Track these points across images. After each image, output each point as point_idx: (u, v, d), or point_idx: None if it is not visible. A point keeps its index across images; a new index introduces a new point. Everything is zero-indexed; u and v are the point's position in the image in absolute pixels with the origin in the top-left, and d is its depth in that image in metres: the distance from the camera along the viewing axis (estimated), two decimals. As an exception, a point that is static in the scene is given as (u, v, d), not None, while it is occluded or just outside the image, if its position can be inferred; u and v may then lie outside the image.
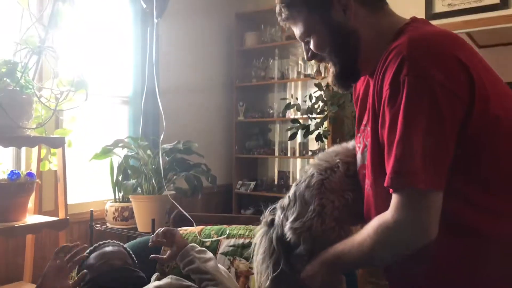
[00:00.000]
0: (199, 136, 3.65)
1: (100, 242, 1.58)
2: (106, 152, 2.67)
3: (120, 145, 2.69)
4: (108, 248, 1.52)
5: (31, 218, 2.20)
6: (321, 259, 1.00)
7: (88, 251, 1.52)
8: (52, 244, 2.53)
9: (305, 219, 1.03)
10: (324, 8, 0.98)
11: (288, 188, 3.92)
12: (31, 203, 2.34)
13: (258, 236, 1.17)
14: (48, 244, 2.56)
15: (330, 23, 0.97)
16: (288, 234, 1.05)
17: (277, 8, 1.03)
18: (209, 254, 1.44)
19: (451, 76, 0.80)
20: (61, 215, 2.23)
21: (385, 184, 0.82)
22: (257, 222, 2.03)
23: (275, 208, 1.16)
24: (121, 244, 1.60)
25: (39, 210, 2.46)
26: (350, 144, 1.13)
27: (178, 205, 1.99)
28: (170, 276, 1.45)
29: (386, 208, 0.85)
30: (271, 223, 1.14)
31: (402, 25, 0.94)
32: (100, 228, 2.73)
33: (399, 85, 0.81)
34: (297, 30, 1.03)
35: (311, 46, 1.02)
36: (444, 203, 0.80)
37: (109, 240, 1.59)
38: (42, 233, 2.28)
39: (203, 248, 1.45)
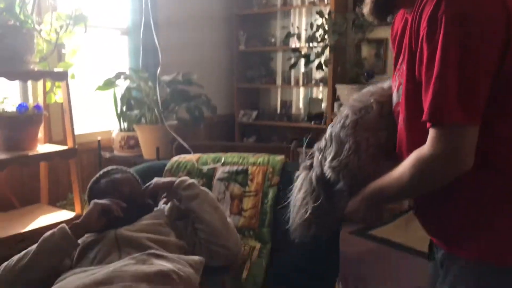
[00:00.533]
0: (201, 67, 3.69)
1: (109, 168, 1.65)
2: (108, 84, 2.75)
3: (121, 77, 2.76)
4: (118, 175, 1.59)
5: (43, 147, 2.34)
6: (362, 194, 1.05)
7: (98, 176, 1.62)
8: (64, 170, 2.69)
9: (342, 157, 1.07)
10: None
11: (290, 117, 4.03)
12: (41, 134, 2.48)
13: (299, 181, 1.22)
14: (60, 169, 2.73)
15: None
16: (328, 173, 1.10)
17: None
18: (196, 190, 1.47)
19: (488, 14, 0.81)
20: (70, 144, 2.37)
21: (423, 118, 0.85)
22: (254, 149, 2.14)
23: (312, 153, 1.20)
24: (129, 170, 1.68)
25: (49, 140, 2.60)
26: (386, 84, 1.15)
27: (175, 135, 2.10)
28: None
29: (418, 142, 0.89)
30: (310, 167, 1.19)
31: None
32: (108, 156, 2.89)
33: (436, 22, 0.82)
34: None
35: None
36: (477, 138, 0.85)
37: (116, 167, 1.67)
38: (54, 160, 2.43)
39: (191, 182, 1.48)
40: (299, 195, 1.19)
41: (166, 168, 1.77)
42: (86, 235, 1.40)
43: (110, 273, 1.17)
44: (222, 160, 1.74)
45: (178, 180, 1.49)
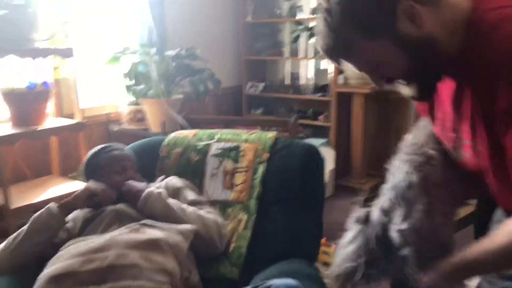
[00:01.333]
0: (208, 39, 3.72)
1: (106, 145, 1.72)
2: (116, 58, 2.83)
3: (129, 52, 2.83)
4: (117, 152, 1.67)
5: (53, 122, 2.46)
6: (445, 269, 0.96)
7: (93, 153, 1.68)
8: (74, 143, 2.82)
9: (414, 219, 0.99)
10: (386, 27, 0.85)
11: (297, 89, 4.05)
12: (53, 108, 2.61)
13: (351, 233, 1.14)
14: (71, 142, 2.86)
15: (399, 40, 0.85)
16: (395, 237, 1.02)
17: (325, 44, 0.91)
18: (156, 213, 1.45)
19: None
20: (78, 118, 2.48)
21: None
22: (255, 122, 2.21)
23: (366, 203, 1.14)
24: (126, 148, 1.76)
25: (60, 114, 2.73)
26: (429, 126, 1.08)
27: (171, 111, 2.17)
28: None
29: None
30: (365, 220, 1.12)
31: (470, 10, 0.85)
32: (116, 129, 3.00)
33: None
34: (357, 63, 0.92)
35: (383, 72, 0.92)
36: None
37: (113, 143, 1.75)
38: (64, 134, 2.55)
39: (151, 205, 1.46)
40: (350, 247, 1.12)
41: (163, 144, 1.86)
42: (87, 210, 1.52)
43: (106, 241, 1.28)
44: (217, 137, 1.81)
45: (142, 196, 1.48)
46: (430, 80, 0.91)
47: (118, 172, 1.60)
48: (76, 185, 2.49)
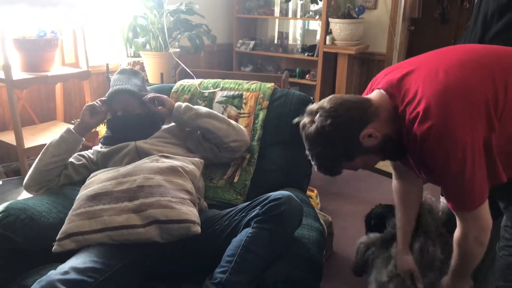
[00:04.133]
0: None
1: (121, 86, 1.82)
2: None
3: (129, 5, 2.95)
4: (125, 94, 1.79)
5: (60, 69, 2.61)
6: (450, 276, 1.35)
7: (113, 81, 1.83)
8: (77, 91, 2.98)
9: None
10: (358, 150, 1.20)
11: (285, 47, 4.23)
12: (58, 56, 2.73)
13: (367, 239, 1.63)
14: (73, 91, 3.01)
15: (370, 151, 1.22)
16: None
17: (317, 166, 1.26)
18: (193, 110, 1.71)
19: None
20: (83, 67, 2.63)
21: (453, 210, 1.21)
22: (249, 77, 2.40)
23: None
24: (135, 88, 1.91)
25: (63, 63, 2.86)
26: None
27: (180, 62, 2.35)
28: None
29: None
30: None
31: (393, 107, 1.21)
32: (116, 80, 3.15)
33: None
34: (346, 168, 1.28)
35: (363, 167, 1.30)
36: None
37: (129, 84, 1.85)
38: (69, 82, 2.69)
39: (186, 105, 1.73)
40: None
41: (172, 90, 2.05)
42: (105, 147, 1.73)
43: (132, 168, 1.50)
44: (221, 86, 2.02)
45: (175, 105, 1.73)
46: (398, 153, 1.28)
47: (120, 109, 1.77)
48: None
